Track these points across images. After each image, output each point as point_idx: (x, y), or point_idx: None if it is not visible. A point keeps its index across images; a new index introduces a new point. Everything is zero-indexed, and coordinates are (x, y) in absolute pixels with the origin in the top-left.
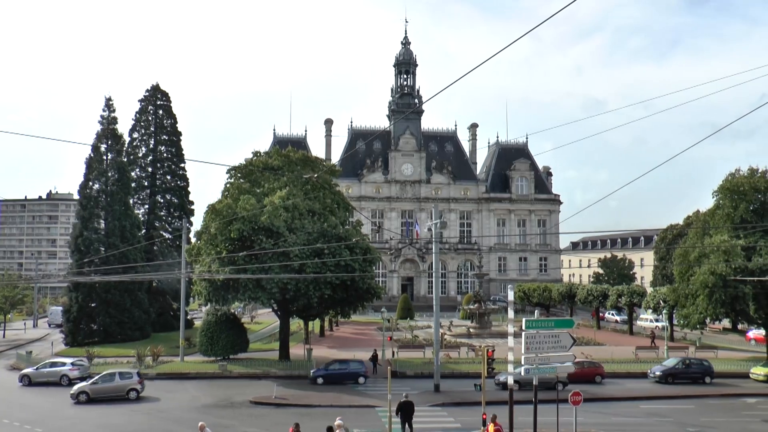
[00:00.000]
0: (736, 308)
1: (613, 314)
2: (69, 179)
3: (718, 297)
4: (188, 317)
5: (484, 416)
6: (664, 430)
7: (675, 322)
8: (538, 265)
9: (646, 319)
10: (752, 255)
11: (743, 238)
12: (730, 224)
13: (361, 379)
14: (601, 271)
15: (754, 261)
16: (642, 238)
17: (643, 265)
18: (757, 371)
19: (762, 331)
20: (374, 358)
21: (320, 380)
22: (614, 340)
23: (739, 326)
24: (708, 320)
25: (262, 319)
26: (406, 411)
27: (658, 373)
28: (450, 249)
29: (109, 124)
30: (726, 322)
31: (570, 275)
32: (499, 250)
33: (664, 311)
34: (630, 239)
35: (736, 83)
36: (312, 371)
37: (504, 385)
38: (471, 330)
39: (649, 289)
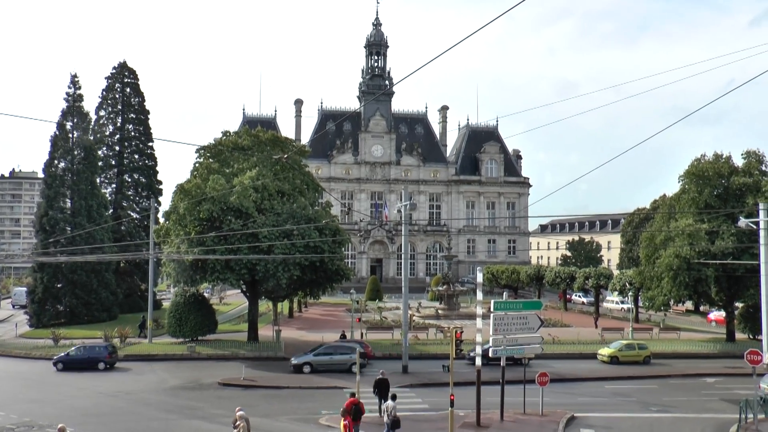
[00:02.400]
0: (699, 290)
1: (580, 296)
2: (33, 157)
3: (682, 279)
4: (156, 298)
5: (452, 397)
6: (628, 409)
7: (640, 303)
8: (507, 247)
9: (612, 301)
10: (715, 239)
11: (707, 222)
12: (695, 208)
13: (101, 365)
14: (569, 253)
15: (716, 244)
16: (609, 221)
17: (610, 248)
18: (603, 352)
19: (722, 313)
20: (342, 340)
21: (60, 365)
22: (581, 321)
23: (701, 308)
24: (672, 302)
25: (231, 300)
26: (382, 388)
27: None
28: (419, 231)
29: (74, 101)
30: (689, 304)
31: (538, 258)
32: (468, 232)
33: (630, 293)
34: (598, 222)
35: (705, 69)
36: (54, 357)
37: (296, 367)
38: (439, 311)
39: (616, 272)
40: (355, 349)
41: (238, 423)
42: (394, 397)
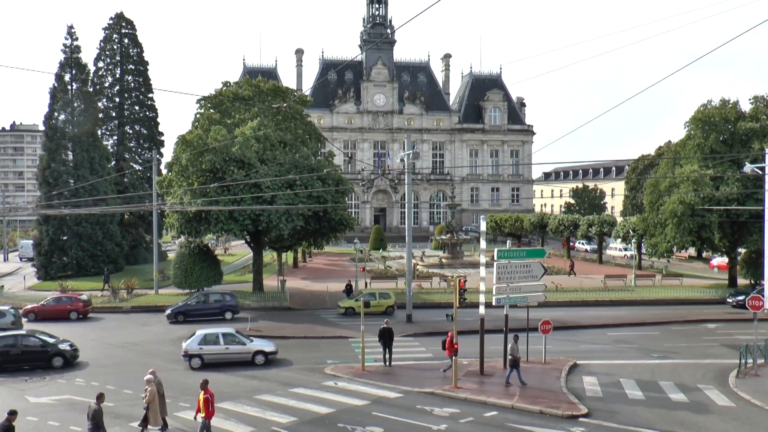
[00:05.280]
0: (702, 236)
1: (583, 243)
2: (33, 110)
3: (686, 226)
4: (162, 249)
5: (456, 346)
6: (630, 355)
7: (643, 251)
8: (511, 195)
9: (615, 248)
10: (720, 184)
11: (712, 168)
12: (700, 154)
13: None
14: (572, 201)
15: (721, 190)
16: (614, 168)
17: (614, 195)
18: (343, 304)
19: (724, 259)
20: (348, 289)
21: None
22: (584, 269)
23: (704, 254)
24: (675, 249)
25: (236, 251)
26: (386, 337)
27: (168, 312)
28: (422, 179)
29: (72, 52)
30: (692, 251)
31: (542, 205)
32: (472, 181)
33: (633, 240)
34: (602, 169)
35: (719, 11)
36: None
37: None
38: (443, 260)
39: (619, 219)
40: (4, 314)
41: (146, 387)
42: (516, 339)
